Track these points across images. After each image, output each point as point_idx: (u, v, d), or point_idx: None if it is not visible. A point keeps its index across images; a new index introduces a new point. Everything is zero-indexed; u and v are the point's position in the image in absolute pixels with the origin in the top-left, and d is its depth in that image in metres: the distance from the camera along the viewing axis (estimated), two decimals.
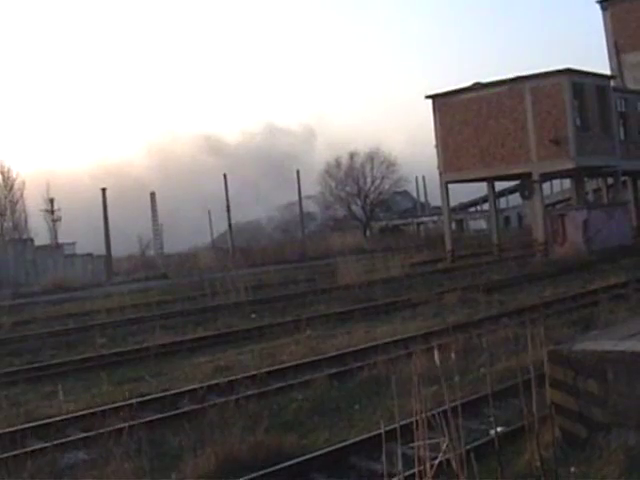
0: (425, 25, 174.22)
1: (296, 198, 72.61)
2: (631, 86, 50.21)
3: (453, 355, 7.15)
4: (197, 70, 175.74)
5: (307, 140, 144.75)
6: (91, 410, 12.50)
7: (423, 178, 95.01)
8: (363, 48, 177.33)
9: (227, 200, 64.84)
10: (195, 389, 13.51)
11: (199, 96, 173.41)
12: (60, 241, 66.30)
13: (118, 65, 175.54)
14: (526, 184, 41.76)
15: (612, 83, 44.94)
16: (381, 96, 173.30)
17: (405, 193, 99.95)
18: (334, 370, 14.42)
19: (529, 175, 40.94)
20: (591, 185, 55.90)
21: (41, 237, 65.19)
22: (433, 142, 44.73)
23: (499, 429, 8.99)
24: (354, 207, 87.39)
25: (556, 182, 68.70)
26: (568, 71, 39.93)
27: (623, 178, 46.69)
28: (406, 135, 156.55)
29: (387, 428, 5.96)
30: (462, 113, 42.60)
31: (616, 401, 7.89)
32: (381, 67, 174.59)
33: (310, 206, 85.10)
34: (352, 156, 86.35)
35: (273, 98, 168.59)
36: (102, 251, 61.53)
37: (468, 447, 6.50)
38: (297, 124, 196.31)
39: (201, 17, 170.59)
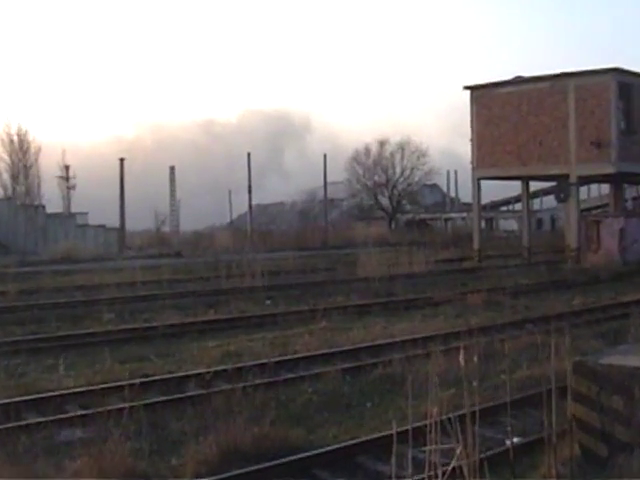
0: (467, 12, 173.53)
1: (317, 184, 72.56)
2: None
3: (475, 359, 7.09)
4: (197, 54, 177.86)
5: (305, 127, 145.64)
6: (92, 387, 12.56)
7: (455, 172, 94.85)
8: (391, 34, 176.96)
9: (249, 180, 64.80)
10: (202, 373, 13.54)
11: (197, 80, 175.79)
12: (73, 210, 66.62)
13: (128, 51, 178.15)
14: (562, 186, 41.49)
15: None
16: (414, 84, 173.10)
17: (435, 186, 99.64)
18: (348, 365, 14.39)
19: (566, 177, 40.67)
20: (631, 192, 55.50)
21: (53, 205, 65.45)
22: (468, 135, 44.59)
23: (515, 439, 8.94)
24: (381, 197, 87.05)
25: (594, 187, 68.40)
26: (615, 70, 39.55)
27: None
28: (440, 126, 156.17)
29: (399, 429, 5.93)
30: (501, 107, 42.38)
31: None
32: (414, 55, 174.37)
33: (335, 193, 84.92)
34: (382, 144, 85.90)
35: (280, 84, 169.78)
36: (116, 224, 61.80)
37: (482, 455, 6.46)
38: (297, 111, 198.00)
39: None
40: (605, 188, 57.60)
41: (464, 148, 44.89)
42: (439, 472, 5.59)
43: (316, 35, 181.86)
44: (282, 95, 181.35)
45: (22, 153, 63.64)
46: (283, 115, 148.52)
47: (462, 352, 6.21)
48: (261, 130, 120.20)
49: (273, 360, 14.36)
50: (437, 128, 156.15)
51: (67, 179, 68.41)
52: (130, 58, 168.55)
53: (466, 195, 68.06)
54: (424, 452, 5.71)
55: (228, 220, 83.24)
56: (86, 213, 64.94)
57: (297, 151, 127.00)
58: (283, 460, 8.92)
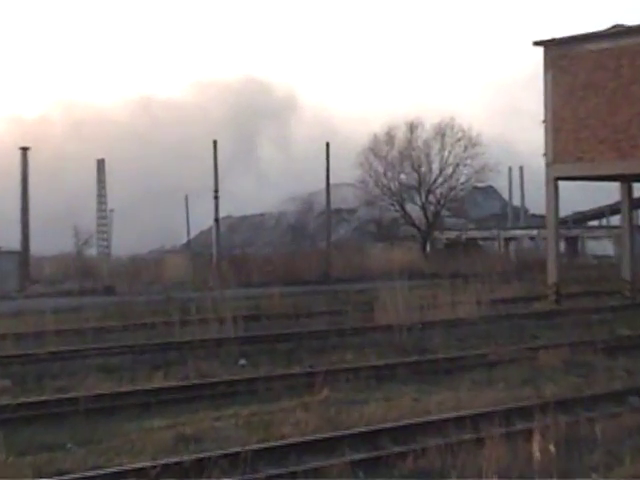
0: None
1: (312, 187, 72.65)
2: None
3: (552, 447, 7.05)
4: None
5: (288, 107, 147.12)
6: None
7: (520, 170, 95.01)
8: None
9: (215, 181, 64.80)
10: (144, 468, 13.45)
11: (126, 40, 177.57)
12: None
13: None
14: None
15: None
16: (451, 45, 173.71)
17: (490, 190, 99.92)
18: (361, 455, 14.36)
19: None
20: None
21: None
22: (539, 116, 44.65)
23: None
24: (410, 206, 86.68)
25: None
26: None
27: None
28: (492, 105, 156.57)
29: None
30: (589, 72, 42.31)
31: None
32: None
33: (341, 200, 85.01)
34: (413, 128, 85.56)
35: (249, 43, 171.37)
36: (16, 245, 61.78)
37: None
38: (276, 84, 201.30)
39: None
40: None
41: (533, 135, 44.92)
42: None
43: None
44: (252, 60, 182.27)
45: None
46: (254, 88, 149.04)
47: (535, 438, 6.17)
48: (221, 110, 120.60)
49: (250, 448, 14.30)
50: (488, 108, 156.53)
51: None
52: (31, 11, 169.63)
53: (537, 204, 68.22)
54: None
55: (184, 240, 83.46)
56: None
57: (277, 140, 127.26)
58: None
